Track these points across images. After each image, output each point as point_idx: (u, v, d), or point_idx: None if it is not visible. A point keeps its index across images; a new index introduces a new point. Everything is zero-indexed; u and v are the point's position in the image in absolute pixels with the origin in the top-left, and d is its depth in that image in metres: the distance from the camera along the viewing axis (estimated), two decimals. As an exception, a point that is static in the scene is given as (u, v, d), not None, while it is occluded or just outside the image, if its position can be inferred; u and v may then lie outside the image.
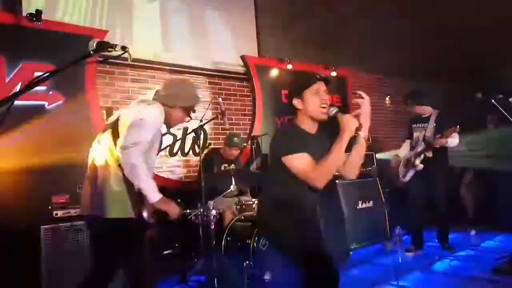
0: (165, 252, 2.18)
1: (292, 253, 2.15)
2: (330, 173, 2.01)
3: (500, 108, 3.42)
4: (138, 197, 2.05)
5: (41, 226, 2.82)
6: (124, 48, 1.59)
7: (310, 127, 2.17)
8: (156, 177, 4.28)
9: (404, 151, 4.34)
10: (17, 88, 3.50)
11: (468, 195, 5.37)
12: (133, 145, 1.97)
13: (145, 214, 2.11)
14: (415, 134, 4.24)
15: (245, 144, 4.34)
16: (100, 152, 2.11)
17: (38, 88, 3.62)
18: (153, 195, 2.02)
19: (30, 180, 3.29)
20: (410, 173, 4.12)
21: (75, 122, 3.74)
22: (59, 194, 3.09)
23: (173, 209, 2.12)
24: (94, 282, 2.12)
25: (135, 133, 2.00)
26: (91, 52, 1.50)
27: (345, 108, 6.47)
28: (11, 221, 2.90)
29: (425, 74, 6.72)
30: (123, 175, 2.01)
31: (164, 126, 2.32)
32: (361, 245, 4.38)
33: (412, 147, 4.22)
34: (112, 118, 2.24)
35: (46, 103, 3.71)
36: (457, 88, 6.70)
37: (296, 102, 2.16)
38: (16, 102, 3.56)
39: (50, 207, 2.97)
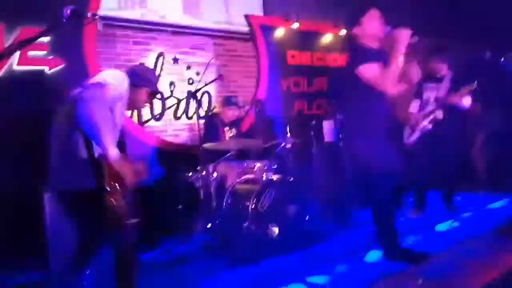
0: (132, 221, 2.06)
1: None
2: (393, 77, 2.45)
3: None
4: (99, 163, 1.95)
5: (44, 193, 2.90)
6: (94, 15, 1.54)
7: (373, 44, 2.65)
8: (160, 141, 4.37)
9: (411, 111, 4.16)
10: (16, 54, 3.51)
11: (479, 156, 5.24)
12: (92, 100, 1.86)
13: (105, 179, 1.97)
14: (426, 94, 4.06)
15: (241, 105, 4.29)
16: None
17: (37, 52, 3.64)
18: (112, 152, 1.88)
19: (31, 145, 3.36)
20: (416, 135, 4.01)
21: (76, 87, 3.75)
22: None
23: (129, 174, 1.96)
24: (79, 257, 2.15)
25: (95, 90, 1.90)
26: (64, 19, 1.45)
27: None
28: (15, 187, 3.01)
29: (444, 33, 6.40)
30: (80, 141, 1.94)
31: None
32: (365, 207, 4.38)
33: (421, 108, 4.07)
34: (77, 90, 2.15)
35: (47, 68, 3.73)
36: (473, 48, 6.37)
37: (355, 30, 2.69)
38: (18, 68, 3.65)
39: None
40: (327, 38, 5.90)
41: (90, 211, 1.97)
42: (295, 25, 5.42)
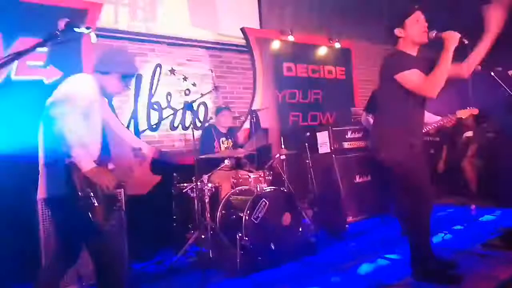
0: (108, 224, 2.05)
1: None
2: (441, 82, 2.37)
3: (499, 81, 3.32)
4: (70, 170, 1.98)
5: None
6: (88, 28, 1.58)
7: (412, 51, 2.54)
8: (157, 151, 4.39)
9: None
10: (14, 65, 3.55)
11: (470, 169, 5.31)
12: (61, 116, 1.90)
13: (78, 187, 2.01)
14: None
15: (237, 115, 4.34)
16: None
17: (35, 63, 3.68)
18: (85, 164, 1.94)
19: (29, 152, 3.37)
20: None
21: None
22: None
23: (105, 181, 2.00)
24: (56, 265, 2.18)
25: (62, 104, 1.94)
26: (58, 31, 1.49)
27: (349, 81, 6.39)
28: (11, 192, 3.02)
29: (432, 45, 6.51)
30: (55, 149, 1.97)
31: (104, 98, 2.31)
32: (358, 218, 4.42)
33: None
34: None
35: (44, 79, 3.76)
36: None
37: (398, 31, 2.54)
38: (16, 78, 3.67)
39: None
40: (322, 51, 6.00)
41: (67, 216, 2.01)
42: (291, 38, 5.51)
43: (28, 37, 3.64)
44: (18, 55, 1.50)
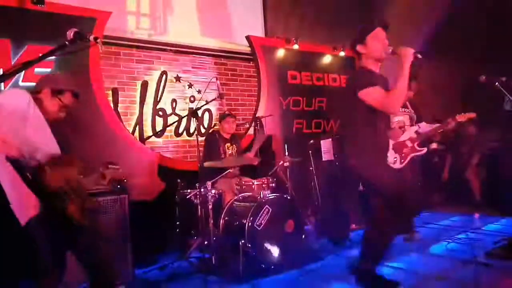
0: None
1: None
2: (401, 98, 2.42)
3: (504, 92, 3.33)
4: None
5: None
6: (96, 39, 1.61)
7: (374, 67, 2.59)
8: (161, 157, 4.43)
9: None
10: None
11: (474, 178, 5.30)
12: None
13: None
14: (398, 118, 4.02)
15: (241, 121, 4.37)
16: None
17: (42, 69, 3.74)
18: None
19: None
20: (408, 158, 4.00)
21: (80, 102, 3.83)
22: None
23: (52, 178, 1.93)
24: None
25: None
26: (67, 41, 1.53)
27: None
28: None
29: (438, 53, 6.53)
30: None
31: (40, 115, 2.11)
32: (361, 226, 4.41)
33: (394, 131, 3.91)
34: None
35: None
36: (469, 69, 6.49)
37: (359, 47, 2.58)
38: (23, 84, 3.73)
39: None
40: (326, 59, 6.04)
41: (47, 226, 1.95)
42: (295, 46, 5.56)
43: (37, 45, 3.72)
44: (27, 64, 1.54)
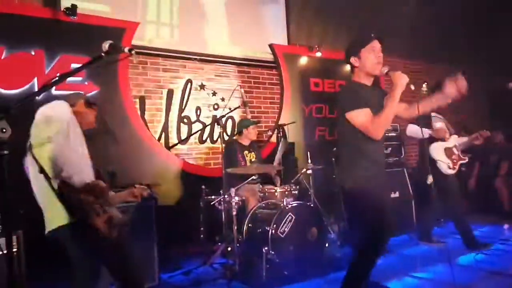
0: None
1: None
2: (386, 125, 2.29)
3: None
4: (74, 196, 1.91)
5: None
6: (130, 50, 1.68)
7: (366, 81, 2.42)
8: (185, 164, 4.51)
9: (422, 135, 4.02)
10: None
11: (503, 187, 5.15)
12: (48, 140, 1.86)
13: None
14: (439, 124, 4.02)
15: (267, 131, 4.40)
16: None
17: (74, 78, 3.88)
18: (77, 179, 1.90)
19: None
20: (457, 165, 4.01)
21: (109, 110, 3.97)
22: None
23: (99, 194, 1.98)
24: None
25: (44, 129, 1.90)
26: (103, 53, 1.61)
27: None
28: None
29: (460, 60, 6.44)
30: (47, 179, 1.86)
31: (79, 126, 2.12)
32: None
33: (439, 138, 3.99)
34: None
35: (82, 93, 3.95)
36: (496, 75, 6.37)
37: (353, 60, 2.42)
38: (56, 92, 3.88)
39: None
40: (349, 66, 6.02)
41: (81, 238, 1.98)
42: (318, 54, 5.57)
43: (69, 54, 3.87)
44: (66, 75, 1.62)
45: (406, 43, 6.27)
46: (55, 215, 1.93)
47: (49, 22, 3.82)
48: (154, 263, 3.22)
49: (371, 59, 2.36)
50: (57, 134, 1.88)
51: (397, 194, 4.48)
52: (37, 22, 3.76)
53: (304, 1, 5.79)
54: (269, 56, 5.44)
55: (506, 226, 4.65)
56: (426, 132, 3.94)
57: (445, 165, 3.95)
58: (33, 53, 3.74)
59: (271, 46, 5.37)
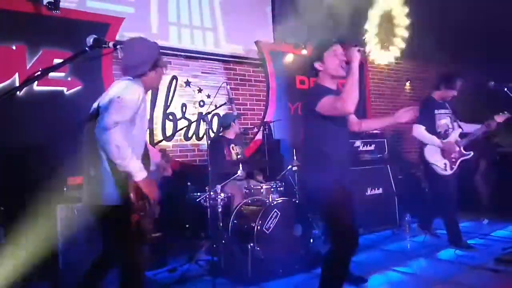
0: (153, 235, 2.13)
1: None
2: (354, 95, 2.27)
3: (512, 96, 3.35)
4: (125, 180, 2.01)
5: (58, 205, 3.04)
6: (115, 45, 1.66)
7: (331, 84, 2.50)
8: (172, 160, 4.47)
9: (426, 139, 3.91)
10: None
11: (482, 183, 5.28)
12: (115, 125, 1.91)
13: (132, 197, 2.03)
14: (443, 121, 3.90)
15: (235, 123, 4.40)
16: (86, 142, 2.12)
17: (56, 74, 3.82)
18: (139, 174, 2.00)
19: (48, 162, 3.49)
20: (457, 163, 3.86)
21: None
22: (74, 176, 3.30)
23: (154, 191, 2.10)
24: (101, 264, 2.24)
25: (114, 113, 1.93)
26: (87, 47, 1.59)
27: (362, 94, 6.43)
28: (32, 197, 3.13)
29: (444, 58, 6.55)
30: (106, 159, 1.99)
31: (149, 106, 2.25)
32: (370, 231, 4.44)
33: (441, 135, 3.88)
34: (94, 105, 2.16)
35: (65, 89, 3.90)
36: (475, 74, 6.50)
37: (317, 65, 2.50)
38: (37, 88, 3.81)
39: (65, 188, 3.18)
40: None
41: (117, 225, 2.06)
42: (304, 52, 5.60)
43: (51, 50, 3.80)
44: (47, 70, 1.60)
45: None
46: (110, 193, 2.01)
47: (31, 16, 3.74)
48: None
49: (333, 62, 2.44)
50: (123, 121, 1.96)
51: (380, 190, 4.55)
52: (18, 17, 3.68)
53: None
54: (255, 54, 5.44)
55: (485, 222, 4.77)
56: (437, 142, 3.82)
57: (440, 168, 3.83)
58: (14, 47, 3.66)
59: (257, 43, 5.38)
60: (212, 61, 5.08)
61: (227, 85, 4.02)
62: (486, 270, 3.17)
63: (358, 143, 4.63)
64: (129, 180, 1.99)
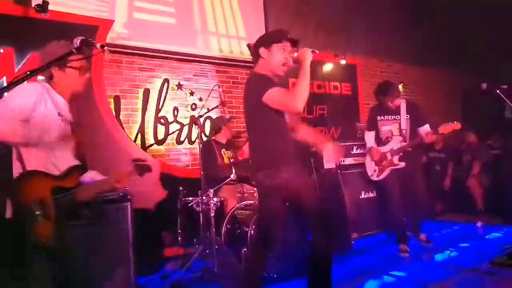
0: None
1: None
2: (304, 95, 2.24)
3: (505, 99, 3.34)
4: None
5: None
6: (103, 46, 1.62)
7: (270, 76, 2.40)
8: (163, 165, 4.42)
9: (369, 144, 4.09)
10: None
11: (476, 186, 5.29)
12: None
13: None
14: (386, 128, 4.00)
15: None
16: None
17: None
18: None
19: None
20: (386, 172, 3.96)
21: (82, 110, 3.84)
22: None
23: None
24: None
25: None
26: (74, 49, 1.54)
27: (354, 96, 6.43)
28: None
29: (437, 61, 6.60)
30: None
31: None
32: (364, 235, 4.40)
33: (382, 142, 4.02)
34: None
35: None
36: (469, 76, 6.55)
37: (262, 50, 2.40)
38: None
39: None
40: (327, 67, 6.07)
41: None
42: (296, 54, 5.57)
43: (40, 52, 3.72)
44: (34, 72, 1.55)
45: (384, 44, 6.37)
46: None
47: (19, 19, 3.67)
48: (130, 267, 3.13)
49: (278, 57, 2.37)
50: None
51: (374, 194, 4.52)
52: (6, 20, 3.60)
53: (283, 1, 5.79)
54: (248, 56, 5.40)
55: (479, 224, 4.77)
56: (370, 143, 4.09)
57: (369, 173, 4.09)
58: (1, 51, 3.58)
59: (249, 46, 5.34)
60: (204, 64, 5.04)
61: (219, 87, 3.97)
62: (481, 273, 3.16)
63: (352, 146, 4.61)
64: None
